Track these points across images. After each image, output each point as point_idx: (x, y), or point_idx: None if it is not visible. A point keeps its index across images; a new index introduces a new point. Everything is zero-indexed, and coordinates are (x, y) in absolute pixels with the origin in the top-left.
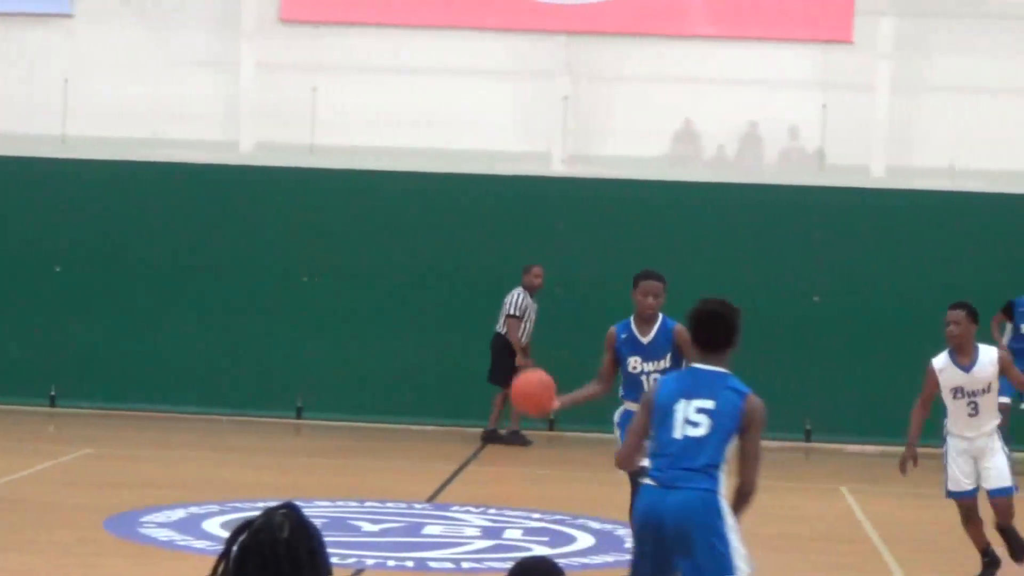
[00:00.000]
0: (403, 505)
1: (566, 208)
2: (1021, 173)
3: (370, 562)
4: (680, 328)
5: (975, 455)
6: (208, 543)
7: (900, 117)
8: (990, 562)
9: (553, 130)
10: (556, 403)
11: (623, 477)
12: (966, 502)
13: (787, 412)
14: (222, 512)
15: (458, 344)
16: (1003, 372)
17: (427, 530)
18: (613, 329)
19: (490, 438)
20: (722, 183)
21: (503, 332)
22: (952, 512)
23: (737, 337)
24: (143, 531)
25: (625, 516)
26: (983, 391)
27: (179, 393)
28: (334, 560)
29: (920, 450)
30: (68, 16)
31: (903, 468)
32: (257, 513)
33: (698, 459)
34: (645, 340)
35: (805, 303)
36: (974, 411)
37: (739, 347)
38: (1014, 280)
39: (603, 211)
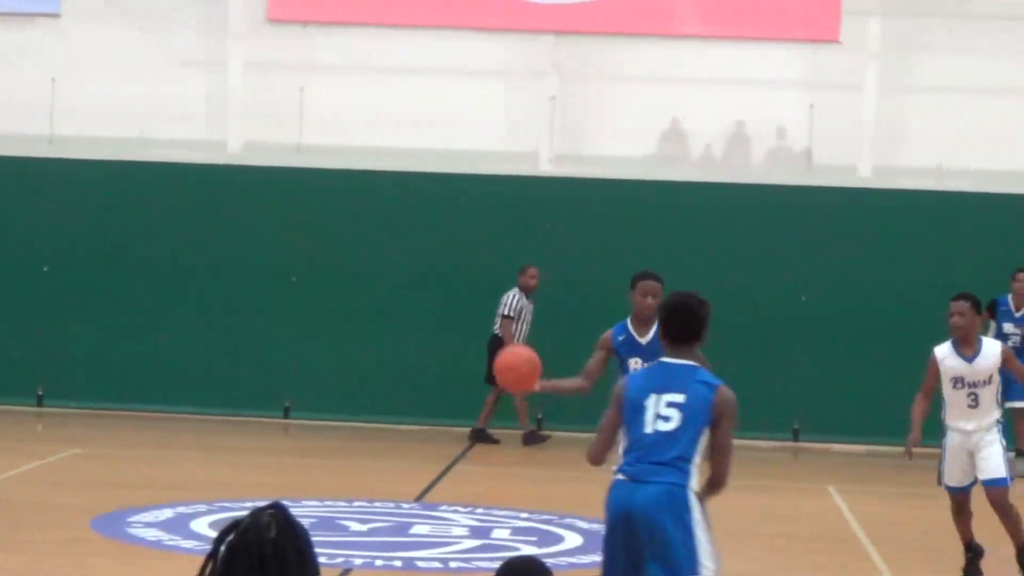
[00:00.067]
0: (391, 505)
1: (554, 208)
2: (1008, 173)
3: (358, 562)
4: None
5: (972, 450)
6: (196, 543)
7: (887, 117)
8: (973, 556)
9: (541, 130)
10: (538, 386)
11: (611, 477)
12: (959, 497)
13: (775, 411)
14: (210, 512)
15: (447, 344)
16: (1005, 365)
17: (415, 530)
18: (609, 332)
19: (479, 437)
20: (710, 183)
21: (499, 333)
22: (940, 512)
23: (706, 331)
24: (131, 531)
25: None
26: (984, 383)
27: (167, 393)
28: (322, 560)
29: (922, 450)
30: (56, 16)
31: (909, 453)
32: (245, 513)
33: (669, 453)
34: (644, 341)
35: (793, 303)
36: (974, 402)
37: (706, 342)
38: (1000, 279)
39: (591, 211)
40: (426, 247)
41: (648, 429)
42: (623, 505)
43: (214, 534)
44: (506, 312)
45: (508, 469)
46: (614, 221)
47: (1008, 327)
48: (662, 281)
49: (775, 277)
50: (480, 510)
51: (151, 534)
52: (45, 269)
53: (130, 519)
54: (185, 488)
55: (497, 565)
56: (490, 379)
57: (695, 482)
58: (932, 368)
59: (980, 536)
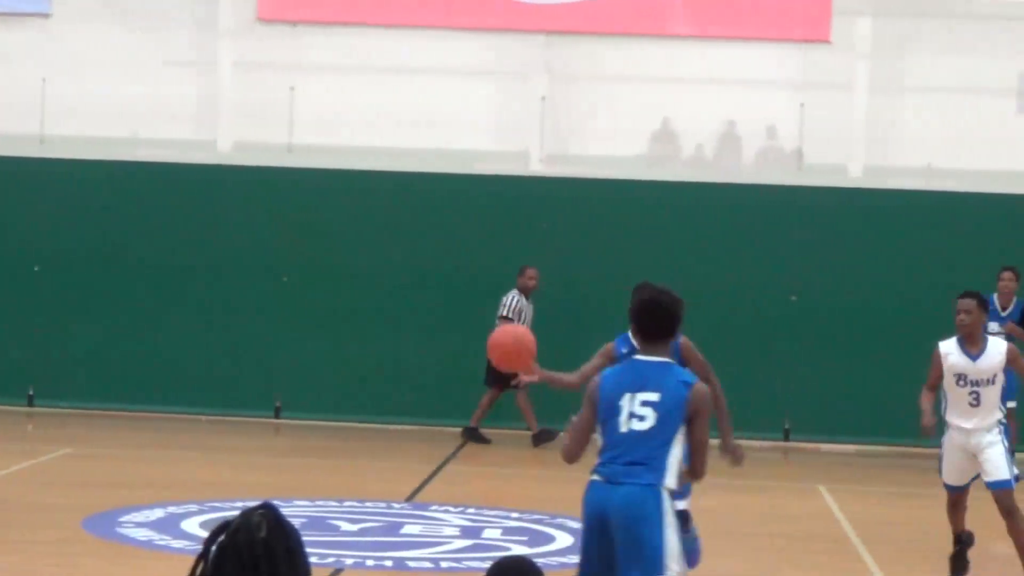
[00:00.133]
0: (382, 505)
1: (544, 208)
2: (998, 173)
3: (349, 562)
4: (687, 342)
5: (973, 451)
6: (187, 543)
7: (878, 117)
8: (962, 547)
9: (531, 130)
10: (532, 373)
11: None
12: (955, 495)
13: (766, 411)
14: (201, 512)
15: (439, 343)
16: (1010, 364)
17: (406, 530)
18: (613, 343)
19: (471, 435)
20: (700, 183)
21: None
22: (932, 512)
23: (680, 327)
24: (122, 531)
25: None
26: (987, 382)
27: (158, 392)
28: (313, 560)
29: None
30: (46, 16)
31: (926, 432)
32: (236, 513)
33: (643, 453)
34: None
35: (783, 302)
36: (975, 401)
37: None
38: (990, 279)
39: (582, 211)
40: (417, 247)
41: (623, 429)
42: (598, 506)
43: (205, 534)
44: (504, 314)
45: (499, 469)
46: (605, 221)
47: (993, 326)
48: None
49: (765, 277)
50: (471, 510)
51: (142, 534)
52: (36, 269)
53: (121, 519)
54: (176, 488)
55: (488, 565)
56: (489, 381)
57: (670, 479)
58: (936, 363)
59: (979, 536)
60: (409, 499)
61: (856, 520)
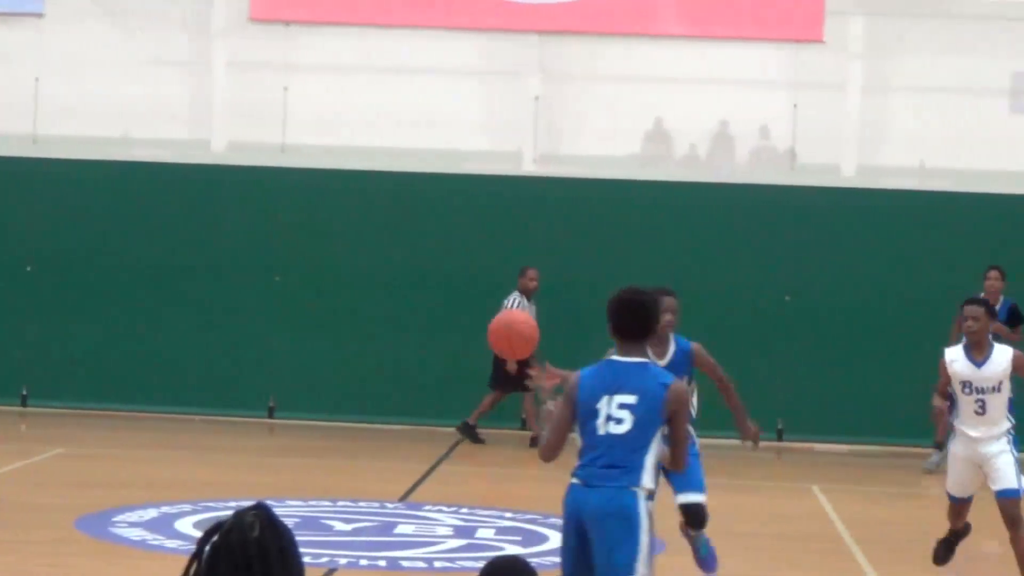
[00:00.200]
0: (376, 504)
1: (537, 208)
2: (990, 173)
3: (343, 561)
4: (698, 347)
5: (979, 461)
6: (180, 543)
7: (870, 117)
8: (955, 537)
9: (524, 129)
10: (537, 371)
11: None
12: (958, 506)
13: (759, 411)
14: (194, 512)
15: (432, 343)
16: (1016, 371)
17: (399, 529)
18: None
19: (466, 432)
20: (693, 182)
21: None
22: (924, 511)
23: (657, 327)
24: (115, 531)
25: None
26: (993, 389)
27: (151, 393)
28: (306, 559)
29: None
30: (39, 15)
31: (940, 414)
32: (229, 513)
33: (619, 456)
34: (662, 363)
35: (776, 302)
36: (981, 409)
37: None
38: (981, 279)
39: (575, 211)
40: (411, 247)
41: (600, 431)
42: (575, 509)
43: (198, 534)
44: None
45: (493, 469)
46: (598, 221)
47: None
48: (677, 296)
49: (759, 277)
50: (465, 510)
51: (135, 534)
52: (28, 269)
53: (114, 519)
54: (169, 488)
55: (481, 565)
56: (493, 383)
57: (648, 480)
58: (943, 370)
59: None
60: (403, 499)
61: (849, 520)
